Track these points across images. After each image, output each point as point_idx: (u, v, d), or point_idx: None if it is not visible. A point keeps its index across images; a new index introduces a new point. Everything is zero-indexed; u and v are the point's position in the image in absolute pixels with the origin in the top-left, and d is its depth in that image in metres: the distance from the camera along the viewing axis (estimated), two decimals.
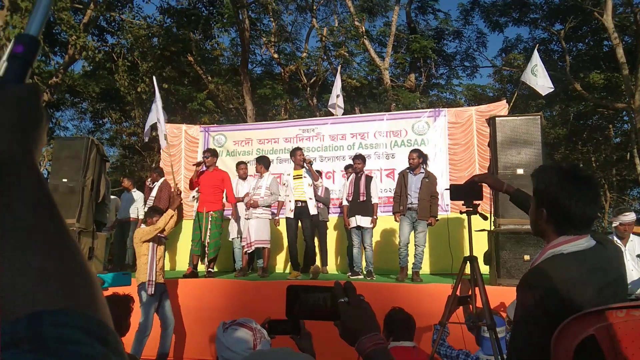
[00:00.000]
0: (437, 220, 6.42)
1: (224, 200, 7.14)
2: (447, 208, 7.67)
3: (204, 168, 6.98)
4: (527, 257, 5.24)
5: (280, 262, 8.33)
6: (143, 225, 5.58)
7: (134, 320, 5.08)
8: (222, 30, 16.21)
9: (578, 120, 19.65)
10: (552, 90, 8.45)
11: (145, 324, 5.13)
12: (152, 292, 5.16)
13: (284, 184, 6.94)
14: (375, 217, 6.62)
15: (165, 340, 5.37)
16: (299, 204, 6.65)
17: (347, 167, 7.68)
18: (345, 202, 6.88)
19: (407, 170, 6.58)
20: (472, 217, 3.20)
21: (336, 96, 9.54)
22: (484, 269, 4.57)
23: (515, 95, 9.77)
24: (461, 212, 3.26)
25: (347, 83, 16.78)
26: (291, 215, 6.68)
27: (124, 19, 15.22)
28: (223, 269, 8.09)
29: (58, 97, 17.18)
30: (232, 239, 7.45)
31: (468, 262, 3.24)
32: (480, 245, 5.01)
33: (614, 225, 5.01)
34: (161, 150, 10.01)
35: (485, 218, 3.32)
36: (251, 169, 7.96)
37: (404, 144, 8.49)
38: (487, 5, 19.19)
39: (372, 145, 8.69)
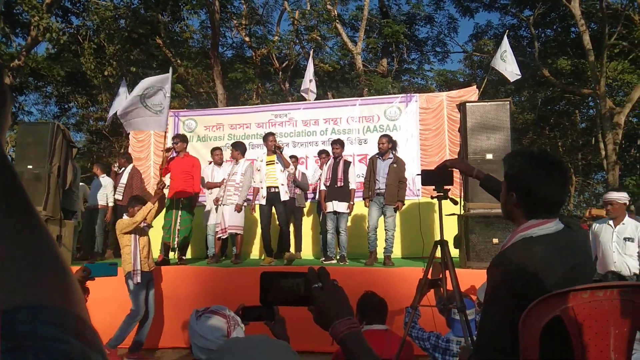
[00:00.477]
0: (404, 204, 6.51)
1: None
2: (419, 193, 7.76)
3: (174, 154, 6.87)
4: (495, 241, 5.36)
5: (254, 249, 8.32)
6: (125, 216, 5.50)
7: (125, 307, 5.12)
8: (192, 12, 15.82)
9: (546, 105, 20.08)
10: (520, 77, 8.61)
11: (137, 311, 5.19)
12: (139, 281, 5.16)
13: (257, 169, 6.89)
14: (352, 202, 6.67)
15: (143, 329, 5.36)
16: (272, 190, 6.62)
17: (320, 153, 7.67)
18: (322, 187, 6.90)
19: (377, 156, 6.63)
20: (443, 201, 3.24)
21: (309, 81, 9.49)
22: (454, 252, 4.67)
23: (485, 81, 9.91)
24: (432, 197, 3.31)
25: (319, 67, 16.70)
26: (264, 202, 6.66)
27: (90, 0, 14.74)
28: (196, 256, 8.04)
29: (21, 80, 16.60)
30: (207, 225, 7.38)
31: (439, 245, 3.29)
32: (451, 229, 5.10)
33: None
34: (130, 136, 9.81)
35: (455, 203, 3.37)
36: (226, 154, 7.89)
37: (377, 130, 8.53)
38: None
39: (345, 131, 8.70)
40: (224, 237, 6.78)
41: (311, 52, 12.13)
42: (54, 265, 0.42)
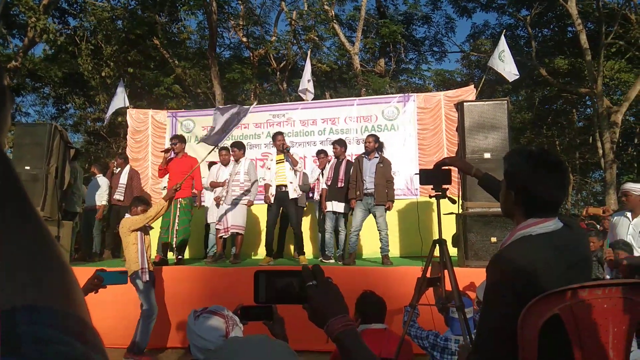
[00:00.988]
0: (393, 204, 6.43)
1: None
2: (417, 192, 7.77)
3: (173, 155, 6.86)
4: (494, 239, 5.36)
5: (254, 249, 8.31)
6: (127, 215, 5.47)
7: (134, 310, 5.05)
8: (189, 13, 15.81)
9: (543, 104, 20.11)
10: (518, 77, 8.62)
11: (151, 310, 5.07)
12: (147, 279, 5.08)
13: (268, 168, 6.90)
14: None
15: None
16: (281, 189, 6.61)
17: (318, 153, 7.66)
18: (323, 186, 6.89)
19: (363, 155, 6.58)
20: (441, 200, 3.24)
21: (307, 81, 9.49)
22: (453, 251, 4.67)
23: (483, 80, 9.93)
24: (430, 196, 3.31)
25: (317, 68, 16.70)
26: (272, 200, 6.64)
27: (87, 1, 14.71)
28: (194, 256, 8.02)
29: (18, 81, 16.53)
30: (211, 223, 7.35)
31: (437, 244, 3.29)
32: (449, 228, 5.11)
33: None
34: (128, 137, 9.80)
35: (453, 202, 3.38)
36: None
37: (374, 129, 8.53)
38: None
39: (343, 131, 8.70)
40: (225, 237, 6.77)
41: (309, 53, 12.14)
42: (55, 265, 0.41)
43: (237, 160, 6.87)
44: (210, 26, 15.33)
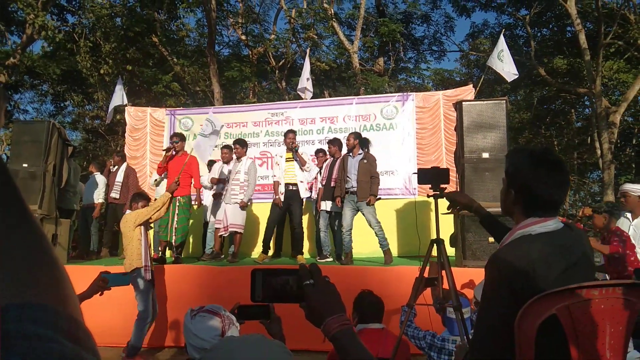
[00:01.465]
0: (378, 198, 6.29)
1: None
2: (415, 192, 7.78)
3: (173, 153, 6.84)
4: (491, 240, 5.35)
5: (252, 248, 8.30)
6: (128, 211, 5.43)
7: (132, 309, 4.98)
8: (188, 11, 15.76)
9: (542, 104, 20.12)
10: (517, 76, 8.62)
11: (146, 312, 4.95)
12: (150, 278, 4.99)
13: (277, 164, 6.88)
14: None
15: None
16: (290, 187, 6.59)
17: (317, 152, 7.66)
18: (319, 186, 6.89)
19: (347, 154, 6.53)
20: (439, 200, 3.24)
21: (306, 79, 9.48)
22: (450, 251, 4.67)
23: (482, 79, 9.92)
24: (428, 196, 3.30)
25: (316, 66, 16.68)
26: (282, 198, 6.62)
27: None
28: (192, 255, 8.02)
29: (16, 78, 16.52)
30: (210, 221, 7.31)
31: (435, 244, 3.29)
32: (447, 228, 5.10)
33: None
34: (126, 135, 9.78)
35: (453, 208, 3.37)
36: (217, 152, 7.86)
37: (373, 128, 8.54)
38: None
39: (342, 130, 8.70)
40: (225, 235, 6.76)
41: (308, 51, 12.12)
42: (46, 263, 0.41)
43: (238, 158, 6.86)
44: (209, 24, 15.31)
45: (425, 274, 3.22)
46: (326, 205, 6.61)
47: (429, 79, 20.99)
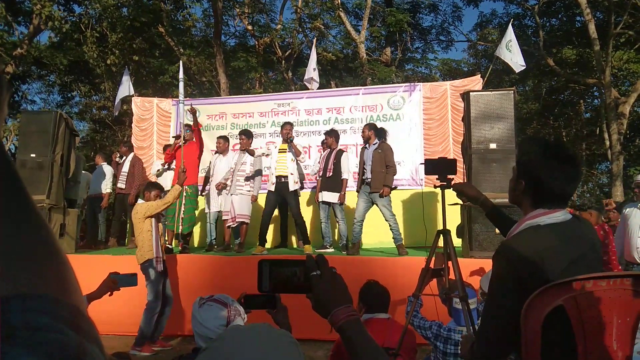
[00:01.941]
0: (394, 188, 6.24)
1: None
2: (422, 182, 7.75)
3: (183, 141, 6.83)
4: (498, 231, 5.34)
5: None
6: (140, 201, 5.43)
7: (141, 298, 5.03)
8: (194, 1, 15.75)
9: (550, 95, 19.94)
10: (524, 67, 8.54)
11: (155, 302, 5.02)
12: (162, 269, 5.02)
13: (268, 154, 6.88)
14: (342, 192, 6.52)
15: (163, 319, 5.22)
16: (281, 180, 6.60)
17: (323, 142, 7.64)
18: (318, 177, 6.90)
19: (365, 146, 6.55)
20: (446, 191, 3.23)
21: (312, 70, 9.44)
22: (457, 241, 4.66)
23: (490, 70, 9.84)
24: (435, 187, 3.29)
25: (322, 56, 16.59)
26: (272, 189, 6.63)
27: None
28: (199, 245, 8.06)
29: (24, 69, 16.57)
30: (215, 211, 7.30)
31: (441, 235, 3.29)
32: (454, 219, 5.10)
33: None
34: (133, 125, 9.81)
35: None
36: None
37: (380, 119, 8.50)
38: None
39: (348, 120, 8.67)
40: (233, 226, 6.78)
41: (314, 41, 12.05)
42: (50, 253, 0.41)
43: (243, 150, 6.85)
44: (215, 14, 15.26)
45: (432, 265, 3.22)
46: (323, 196, 6.61)
47: (436, 69, 20.86)
